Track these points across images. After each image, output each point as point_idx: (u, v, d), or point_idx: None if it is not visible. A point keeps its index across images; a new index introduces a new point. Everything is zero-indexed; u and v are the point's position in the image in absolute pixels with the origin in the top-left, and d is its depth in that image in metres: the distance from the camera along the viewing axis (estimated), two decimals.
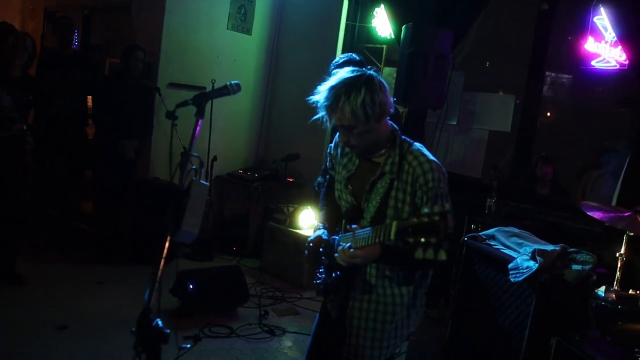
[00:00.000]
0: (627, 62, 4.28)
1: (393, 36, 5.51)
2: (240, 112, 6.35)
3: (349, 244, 1.98)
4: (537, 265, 2.84)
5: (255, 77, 6.40)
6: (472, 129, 5.74)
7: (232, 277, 4.33)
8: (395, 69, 5.64)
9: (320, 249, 2.22)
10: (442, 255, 1.86)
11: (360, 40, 6.07)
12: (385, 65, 6.04)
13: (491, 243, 3.31)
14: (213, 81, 5.32)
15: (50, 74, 5.15)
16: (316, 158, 5.96)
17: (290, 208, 5.54)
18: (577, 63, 4.82)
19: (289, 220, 5.44)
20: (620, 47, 4.35)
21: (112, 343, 3.52)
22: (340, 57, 4.13)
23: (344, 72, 1.98)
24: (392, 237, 1.74)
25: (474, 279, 3.30)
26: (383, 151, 2.09)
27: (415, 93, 4.62)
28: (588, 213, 3.50)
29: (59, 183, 5.37)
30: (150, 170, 5.56)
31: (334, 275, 2.14)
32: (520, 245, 3.17)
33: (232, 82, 1.93)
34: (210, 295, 4.14)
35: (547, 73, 5.44)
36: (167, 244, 1.57)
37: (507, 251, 3.15)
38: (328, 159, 2.37)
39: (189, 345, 1.86)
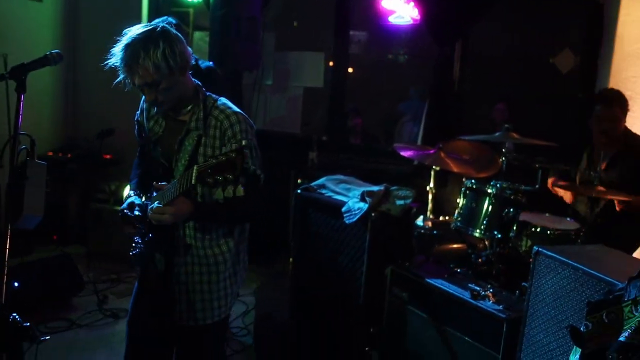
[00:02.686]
0: (419, 17, 4.77)
1: None
2: (40, 89, 5.72)
3: (157, 202, 1.95)
4: (367, 205, 3.12)
5: (53, 49, 5.78)
6: (287, 87, 5.94)
7: (61, 266, 4.04)
8: (206, 33, 5.57)
9: (134, 214, 2.11)
10: (240, 191, 1.83)
11: (166, 3, 5.83)
12: (195, 30, 5.90)
13: (322, 192, 3.53)
14: (4, 56, 4.72)
15: None
16: (133, 131, 5.67)
17: (112, 186, 5.25)
18: (377, 18, 5.22)
19: (112, 198, 5.17)
20: (412, 3, 4.81)
21: None
22: (158, 20, 3.97)
23: (135, 29, 1.92)
24: (193, 181, 1.74)
25: (310, 227, 3.49)
26: (189, 108, 2.08)
27: (230, 55, 4.64)
28: (401, 153, 3.92)
29: None
30: None
31: (146, 239, 2.09)
32: (348, 190, 3.43)
33: (53, 51, 1.79)
34: (40, 289, 3.81)
35: (351, 31, 5.80)
36: (8, 233, 1.44)
37: (338, 197, 3.38)
38: (136, 127, 2.31)
39: (48, 337, 1.67)
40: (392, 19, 4.98)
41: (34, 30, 5.55)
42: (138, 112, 2.27)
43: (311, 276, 3.51)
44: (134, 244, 2.14)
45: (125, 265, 4.82)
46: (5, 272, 1.37)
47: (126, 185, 5.12)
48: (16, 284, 3.65)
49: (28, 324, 1.34)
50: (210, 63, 4.29)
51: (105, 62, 1.96)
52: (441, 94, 4.72)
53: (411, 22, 4.93)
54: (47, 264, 4.03)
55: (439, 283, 2.84)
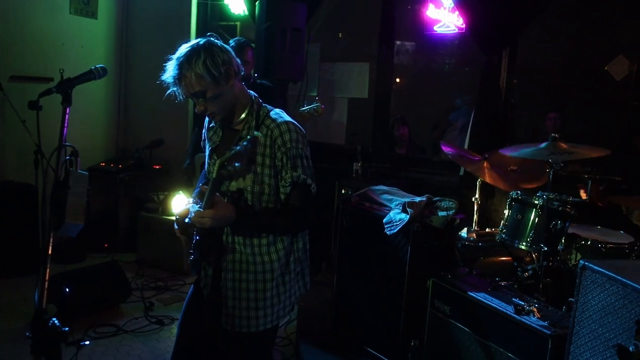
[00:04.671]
0: (464, 25, 4.70)
1: (247, 12, 5.51)
2: (94, 102, 5.97)
3: (199, 205, 1.99)
4: (408, 216, 3.08)
5: (106, 63, 5.92)
6: (332, 98, 5.96)
7: (110, 273, 4.15)
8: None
9: (187, 221, 2.11)
10: (249, 182, 1.98)
11: (213, 18, 5.99)
12: None
13: (364, 203, 3.51)
14: (61, 71, 4.93)
15: None
16: (181, 142, 5.82)
17: (160, 196, 5.39)
18: (422, 28, 5.18)
19: (161, 208, 5.29)
20: (457, 12, 4.75)
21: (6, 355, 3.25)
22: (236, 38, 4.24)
23: (185, 46, 2.02)
24: (214, 175, 1.79)
25: (352, 238, 3.48)
26: (242, 117, 2.13)
27: (276, 67, 4.68)
28: (445, 150, 3.85)
29: None
30: (2, 171, 5.06)
31: (195, 244, 2.11)
32: (391, 200, 3.40)
33: (98, 65, 1.86)
34: (90, 296, 3.94)
35: (397, 41, 5.78)
36: (50, 240, 1.49)
37: (380, 208, 3.36)
38: (202, 139, 2.39)
39: (87, 342, 1.76)
40: (438, 28, 4.93)
41: (89, 45, 5.80)
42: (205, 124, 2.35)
43: (353, 287, 3.49)
44: (190, 251, 2.16)
45: (172, 273, 4.95)
46: (47, 278, 1.41)
47: (174, 195, 5.28)
48: (67, 290, 3.78)
49: (67, 328, 1.37)
50: (265, 82, 4.42)
51: (156, 76, 2.06)
52: (488, 103, 4.61)
53: (456, 31, 4.87)
54: (97, 270, 4.16)
55: (481, 297, 2.77)
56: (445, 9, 4.84)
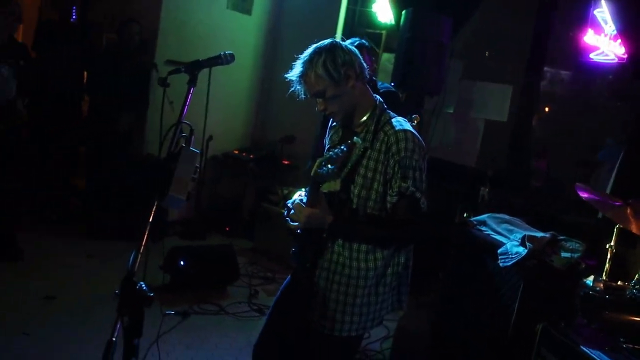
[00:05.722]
0: (625, 55, 4.28)
1: (393, 22, 5.49)
2: (238, 92, 6.31)
3: (299, 199, 2.07)
4: (526, 250, 2.85)
5: (254, 58, 6.36)
6: (468, 117, 5.73)
7: (224, 256, 4.34)
8: (394, 55, 5.63)
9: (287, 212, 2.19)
10: (337, 185, 2.03)
11: (360, 24, 6.04)
12: (384, 51, 6.01)
13: (482, 229, 3.32)
14: None
15: (48, 48, 5.11)
16: (312, 141, 5.94)
17: (284, 190, 5.53)
18: (576, 55, 4.81)
19: (282, 201, 5.43)
20: (619, 40, 4.34)
21: (99, 314, 3.52)
22: (351, 40, 4.15)
23: (312, 46, 2.06)
24: (312, 173, 1.85)
25: (463, 263, 3.31)
26: (363, 120, 2.10)
27: (413, 78, 4.61)
28: (580, 194, 3.51)
29: (52, 158, 5.34)
30: (144, 146, 5.53)
31: (297, 236, 2.13)
32: (510, 232, 3.18)
33: (226, 52, 1.92)
34: (201, 273, 4.15)
35: (546, 66, 5.42)
36: (154, 209, 1.56)
37: (497, 237, 3.16)
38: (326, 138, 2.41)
39: (173, 312, 1.87)
40: (594, 56, 4.54)
41: (240, 40, 6.13)
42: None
43: (456, 315, 3.31)
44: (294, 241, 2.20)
45: (283, 266, 5.06)
46: (144, 243, 1.47)
47: (298, 191, 5.39)
48: (182, 263, 4.01)
49: (152, 294, 1.42)
50: (391, 86, 4.33)
51: (286, 75, 2.12)
52: None
53: (616, 60, 4.45)
54: (213, 251, 4.37)
55: (596, 355, 2.48)
56: (606, 35, 4.44)
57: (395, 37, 5.52)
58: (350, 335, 2.13)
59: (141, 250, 1.50)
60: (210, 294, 4.18)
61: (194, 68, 1.82)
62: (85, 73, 5.40)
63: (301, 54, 2.07)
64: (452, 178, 5.10)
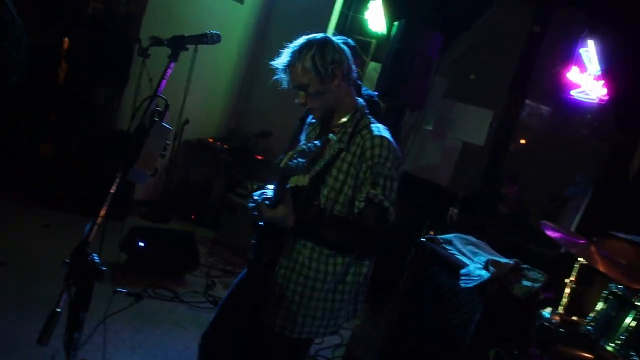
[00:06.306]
0: (606, 97, 4.34)
1: (385, 31, 5.48)
2: (220, 80, 6.22)
3: (263, 194, 2.04)
4: (488, 274, 2.85)
5: (242, 48, 6.27)
6: (446, 137, 5.76)
7: (185, 242, 4.24)
8: (380, 65, 5.62)
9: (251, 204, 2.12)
10: (305, 180, 1.96)
11: (351, 30, 6.00)
12: (372, 60, 5.99)
13: (447, 247, 3.31)
14: (196, 47, 5.17)
15: (29, 9, 4.93)
16: (288, 139, 5.88)
17: (254, 185, 5.45)
18: (558, 90, 4.87)
19: (250, 196, 5.36)
20: (602, 81, 4.40)
21: (49, 284, 3.37)
22: (337, 37, 4.10)
23: (303, 37, 2.02)
24: (281, 165, 1.84)
25: (424, 279, 3.29)
26: (342, 121, 2.05)
27: (397, 90, 4.60)
28: (546, 232, 3.53)
29: (20, 122, 5.15)
30: (118, 121, 5.39)
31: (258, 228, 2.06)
32: (475, 254, 3.18)
33: (212, 31, 1.86)
34: (160, 256, 4.04)
35: (527, 97, 5.49)
36: (117, 180, 1.48)
37: (461, 257, 3.15)
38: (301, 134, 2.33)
39: (125, 290, 1.81)
40: (575, 94, 4.60)
41: (229, 28, 6.05)
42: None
43: (409, 329, 3.29)
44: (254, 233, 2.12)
45: (244, 261, 4.97)
46: (102, 215, 1.40)
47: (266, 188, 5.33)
48: (141, 244, 3.91)
49: (105, 268, 1.35)
50: (375, 93, 4.30)
51: (270, 62, 2.06)
52: (612, 183, 4.22)
53: (596, 101, 4.50)
54: (174, 236, 4.27)
55: None
56: (590, 75, 4.49)
57: (384, 47, 5.51)
58: (300, 338, 2.07)
59: (98, 221, 1.42)
60: (167, 279, 4.07)
61: (177, 43, 1.75)
62: (67, 39, 5.23)
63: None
64: (424, 195, 5.11)
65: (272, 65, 2.04)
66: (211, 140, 5.94)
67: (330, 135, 1.90)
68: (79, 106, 4.96)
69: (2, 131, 5.08)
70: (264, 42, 6.40)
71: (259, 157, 5.99)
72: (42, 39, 4.81)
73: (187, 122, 5.38)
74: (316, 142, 1.77)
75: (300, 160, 1.75)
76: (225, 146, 5.83)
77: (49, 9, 5.00)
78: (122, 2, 5.02)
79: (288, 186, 1.94)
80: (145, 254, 3.95)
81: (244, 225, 5.13)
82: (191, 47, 5.15)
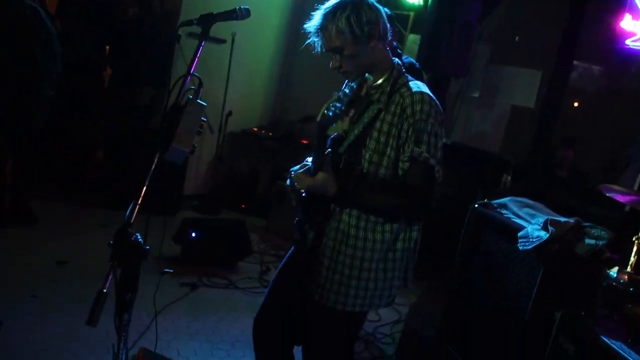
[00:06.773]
0: None
1: (422, 3, 5.34)
2: (261, 69, 6.23)
3: (302, 167, 1.98)
4: (547, 235, 2.73)
5: (278, 36, 6.26)
6: (494, 103, 5.57)
7: (236, 230, 4.29)
8: (420, 36, 5.48)
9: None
10: (346, 126, 1.86)
11: (387, 4, 5.86)
12: (411, 32, 5.86)
13: (502, 212, 3.20)
14: (233, 34, 5.19)
15: (72, 21, 5.07)
16: None
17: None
18: (611, 41, 4.61)
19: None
20: None
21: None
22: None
23: None
24: (319, 117, 1.78)
25: (480, 246, 3.19)
26: (379, 82, 1.96)
27: (438, 60, 4.48)
28: (607, 194, 3.36)
29: (73, 129, 5.32)
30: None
31: (301, 205, 2.02)
32: (532, 216, 3.05)
33: (242, 6, 1.84)
34: (213, 246, 4.11)
35: (578, 52, 5.21)
36: (156, 160, 1.49)
37: (518, 220, 3.03)
38: None
39: (171, 270, 1.84)
40: (631, 42, 4.34)
41: (264, 14, 6.03)
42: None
43: (470, 300, 3.20)
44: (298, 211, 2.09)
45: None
46: (142, 195, 1.40)
47: None
48: (194, 235, 3.97)
49: (148, 247, 1.35)
50: (416, 63, 4.20)
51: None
52: None
53: None
54: (225, 225, 4.33)
55: (617, 345, 2.35)
56: None
57: (422, 19, 5.38)
58: (354, 311, 2.02)
59: (139, 202, 1.43)
60: (221, 268, 4.14)
61: (206, 21, 1.74)
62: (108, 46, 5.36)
63: None
64: (474, 163, 4.97)
65: (304, 29, 1.99)
66: (255, 129, 5.99)
67: (367, 75, 1.79)
68: (126, 109, 5.08)
69: (59, 139, 5.28)
70: (300, 27, 6.34)
71: (305, 142, 5.98)
72: (88, 48, 4.95)
73: (230, 114, 5.42)
74: (352, 84, 1.70)
75: (337, 105, 1.68)
76: (270, 134, 5.85)
77: (93, 17, 5.12)
78: (157, 3, 5.08)
79: (329, 140, 1.92)
80: (198, 244, 4.02)
81: (293, 211, 5.12)
82: (229, 39, 5.23)
